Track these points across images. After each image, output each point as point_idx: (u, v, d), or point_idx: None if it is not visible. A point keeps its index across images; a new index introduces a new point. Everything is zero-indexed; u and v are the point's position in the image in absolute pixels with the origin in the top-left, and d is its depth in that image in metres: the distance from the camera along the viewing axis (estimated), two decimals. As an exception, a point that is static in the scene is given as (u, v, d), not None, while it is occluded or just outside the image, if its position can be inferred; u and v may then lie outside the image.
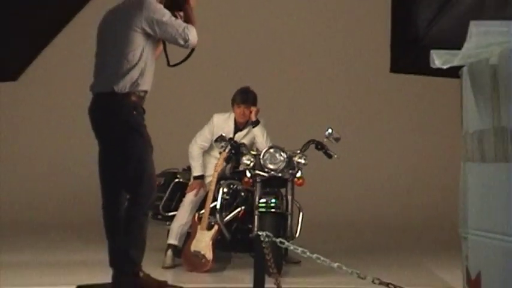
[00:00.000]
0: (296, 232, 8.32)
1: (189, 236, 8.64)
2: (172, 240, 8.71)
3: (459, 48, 3.66)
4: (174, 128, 10.16)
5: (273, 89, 11.40)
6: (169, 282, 6.56)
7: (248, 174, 8.39)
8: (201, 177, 8.84)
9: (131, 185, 6.39)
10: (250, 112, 8.84)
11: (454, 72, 4.00)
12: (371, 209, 12.01)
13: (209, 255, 8.40)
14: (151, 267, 7.05)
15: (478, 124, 3.75)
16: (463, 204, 3.92)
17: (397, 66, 6.98)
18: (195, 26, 6.57)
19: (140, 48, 6.41)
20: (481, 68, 3.67)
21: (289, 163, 8.29)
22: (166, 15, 6.46)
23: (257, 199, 8.22)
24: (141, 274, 6.36)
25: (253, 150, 8.59)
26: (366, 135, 12.26)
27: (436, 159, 11.78)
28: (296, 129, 9.55)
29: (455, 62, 3.82)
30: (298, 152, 8.38)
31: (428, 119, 12.20)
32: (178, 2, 6.64)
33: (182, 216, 8.75)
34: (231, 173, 8.81)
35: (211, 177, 8.69)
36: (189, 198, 8.80)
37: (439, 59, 3.88)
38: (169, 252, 8.69)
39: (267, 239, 5.38)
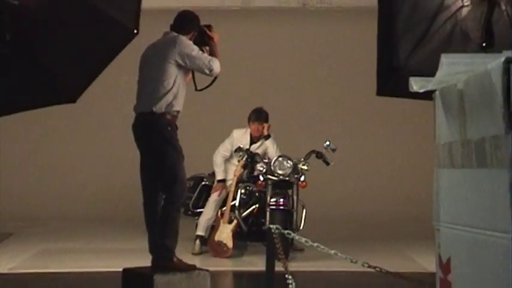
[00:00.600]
0: (300, 225, 8.35)
1: (213, 228, 8.67)
2: (200, 231, 8.74)
3: (432, 75, 3.67)
4: (201, 141, 10.17)
5: (281, 108, 11.40)
6: (198, 265, 6.54)
7: (261, 178, 8.43)
8: (223, 181, 8.87)
9: (166, 187, 6.37)
10: (263, 128, 8.88)
11: (428, 95, 4.00)
12: (362, 206, 11.97)
13: (230, 244, 8.42)
14: (183, 253, 7.07)
15: (448, 137, 3.76)
16: (436, 202, 3.92)
17: (382, 91, 6.94)
18: (218, 58, 6.57)
19: (174, 77, 6.40)
20: (450, 91, 3.69)
21: (295, 169, 8.33)
22: (195, 50, 6.46)
23: (268, 198, 8.26)
24: (175, 259, 6.33)
25: (265, 159, 8.63)
26: (358, 146, 12.24)
27: (416, 165, 11.75)
28: (300, 141, 9.53)
29: (429, 87, 3.82)
30: (302, 160, 8.42)
31: (407, 132, 12.17)
32: (204, 39, 6.64)
33: (208, 212, 8.78)
34: (248, 177, 8.85)
35: (231, 181, 8.74)
36: (213, 197, 8.83)
37: (416, 84, 3.89)
38: (198, 241, 8.72)
39: (276, 231, 5.37)
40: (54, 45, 6.38)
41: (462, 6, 6.49)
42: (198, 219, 8.83)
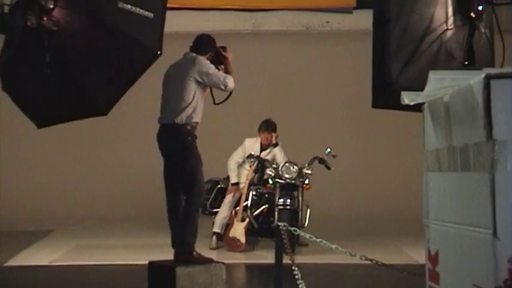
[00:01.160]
0: (305, 223, 8.32)
1: (228, 226, 8.67)
2: (216, 228, 8.73)
3: (421, 90, 3.67)
4: (217, 149, 10.14)
5: (288, 120, 11.35)
6: (215, 259, 6.52)
7: (270, 181, 8.42)
8: (237, 184, 8.87)
9: (187, 189, 6.35)
10: (272, 137, 8.87)
11: (418, 107, 3.99)
12: (360, 206, 11.93)
13: (243, 239, 8.41)
14: (202, 248, 7.05)
15: (435, 144, 3.76)
16: (425, 202, 3.92)
17: (377, 103, 6.93)
18: (232, 75, 6.57)
19: (193, 92, 6.39)
20: (437, 104, 3.68)
21: (300, 173, 8.32)
22: (211, 68, 6.46)
23: (277, 199, 8.24)
24: (195, 253, 6.32)
25: (274, 165, 8.62)
26: (356, 153, 12.20)
27: (407, 169, 11.70)
28: (304, 149, 9.48)
29: (419, 100, 3.82)
30: (306, 165, 8.41)
31: (399, 140, 12.12)
32: (220, 58, 6.63)
33: (223, 211, 8.78)
34: (258, 180, 8.83)
35: (244, 184, 8.73)
36: (228, 198, 8.83)
37: (407, 98, 3.88)
38: (214, 237, 8.71)
39: (284, 228, 5.35)
40: (88, 66, 6.40)
41: (447, 29, 6.49)
42: (214, 217, 8.83)
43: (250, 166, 8.69)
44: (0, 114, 10.64)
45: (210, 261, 6.34)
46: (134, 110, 11.55)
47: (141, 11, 6.25)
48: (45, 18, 6.08)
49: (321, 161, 8.48)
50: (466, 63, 6.40)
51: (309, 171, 8.35)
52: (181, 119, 6.33)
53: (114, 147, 12.51)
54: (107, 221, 11.28)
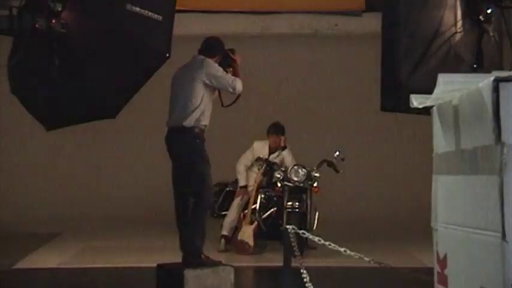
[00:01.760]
0: (313, 225, 8.31)
1: (236, 228, 8.67)
2: (225, 231, 8.73)
3: (430, 93, 3.67)
4: (226, 152, 10.12)
5: (296, 123, 11.35)
6: (223, 261, 6.53)
7: (279, 184, 8.41)
8: (245, 187, 8.86)
9: (195, 192, 6.36)
10: (280, 140, 8.86)
11: (426, 110, 3.99)
12: (369, 209, 11.89)
13: (251, 242, 8.41)
14: (210, 251, 7.06)
15: (444, 147, 3.75)
16: (434, 205, 3.91)
17: (386, 106, 6.94)
18: (240, 78, 6.58)
19: (201, 95, 6.40)
20: (446, 107, 3.68)
21: (308, 176, 8.30)
22: (220, 71, 6.47)
23: (285, 202, 8.23)
24: (203, 256, 6.35)
25: (282, 168, 8.60)
26: (364, 156, 12.16)
27: (416, 172, 11.65)
28: (313, 152, 9.48)
29: (428, 103, 3.82)
30: (315, 168, 8.38)
31: (408, 143, 12.09)
32: (228, 61, 6.65)
33: (232, 214, 8.78)
34: (267, 183, 8.81)
35: (252, 187, 8.73)
36: (237, 201, 8.83)
37: (416, 101, 3.88)
38: (223, 240, 8.71)
39: (292, 231, 5.35)
40: (97, 69, 6.44)
41: (455, 33, 6.50)
42: (223, 220, 8.83)
43: (259, 169, 8.69)
44: (7, 116, 10.68)
45: (218, 264, 6.36)
46: (143, 112, 11.56)
47: (150, 13, 6.28)
48: (53, 21, 6.12)
49: (330, 164, 8.44)
50: (475, 66, 6.41)
51: (317, 174, 8.33)
52: (189, 121, 6.34)
53: (122, 149, 12.52)
54: (115, 223, 11.27)
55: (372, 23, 9.32)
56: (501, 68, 6.41)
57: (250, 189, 8.77)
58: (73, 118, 6.91)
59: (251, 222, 8.49)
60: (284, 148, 8.83)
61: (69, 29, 6.19)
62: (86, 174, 12.40)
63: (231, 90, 6.48)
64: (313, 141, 11.82)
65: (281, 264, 5.99)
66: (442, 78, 3.50)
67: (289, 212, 8.14)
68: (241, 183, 8.86)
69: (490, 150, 3.05)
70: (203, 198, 6.33)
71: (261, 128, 9.16)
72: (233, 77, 6.50)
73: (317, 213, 8.44)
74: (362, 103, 11.82)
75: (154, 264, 6.47)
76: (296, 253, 5.27)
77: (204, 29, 10.55)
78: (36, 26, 6.10)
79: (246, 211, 8.59)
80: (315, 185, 8.30)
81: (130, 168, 12.43)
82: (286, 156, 8.79)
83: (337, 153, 8.36)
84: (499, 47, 6.63)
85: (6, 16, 6.50)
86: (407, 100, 3.93)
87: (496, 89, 2.99)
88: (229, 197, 9.02)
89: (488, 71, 3.45)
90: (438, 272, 3.76)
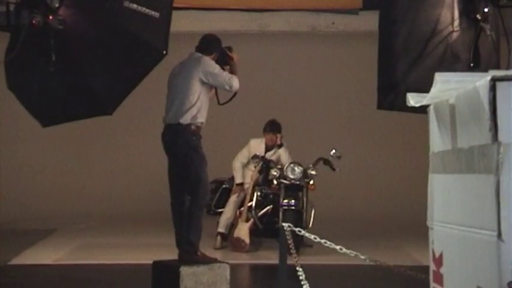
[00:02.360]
0: (309, 223, 8.33)
1: (232, 226, 8.68)
2: (221, 228, 8.74)
3: (427, 92, 3.67)
4: (222, 149, 10.13)
5: (293, 121, 11.36)
6: (219, 259, 6.52)
7: (275, 182, 8.42)
8: (242, 184, 8.87)
9: (191, 189, 6.34)
10: (277, 137, 8.86)
11: (423, 109, 3.99)
12: (364, 207, 11.92)
13: (247, 240, 8.42)
14: (206, 248, 7.03)
15: (441, 146, 3.76)
16: (430, 204, 3.92)
17: (382, 105, 6.95)
18: (237, 76, 6.56)
19: (198, 92, 6.37)
20: (442, 106, 3.68)
21: (305, 174, 8.31)
22: (216, 68, 6.44)
23: (281, 200, 8.24)
24: (199, 253, 6.33)
25: (278, 165, 8.61)
26: (360, 154, 12.19)
27: (412, 171, 11.69)
28: (309, 150, 9.49)
29: (424, 102, 3.82)
30: (311, 166, 8.41)
31: (404, 142, 12.13)
32: (225, 59, 6.62)
33: (228, 211, 8.78)
34: (263, 181, 8.81)
35: (248, 184, 8.73)
36: (233, 199, 8.84)
37: (412, 99, 3.88)
38: (219, 237, 8.72)
39: (288, 229, 5.34)
40: (94, 65, 6.43)
41: (452, 32, 6.50)
42: (219, 218, 8.83)
43: (255, 167, 8.69)
44: (4, 114, 10.68)
45: (214, 261, 6.34)
46: (139, 109, 11.57)
47: (148, 10, 6.27)
48: (50, 17, 6.11)
49: (326, 162, 8.46)
50: (472, 65, 6.41)
51: (313, 172, 8.35)
52: (186, 119, 6.32)
53: (118, 146, 12.52)
54: (111, 220, 11.28)
55: (369, 21, 9.30)
56: (498, 67, 6.42)
57: (246, 186, 8.78)
58: (69, 115, 6.89)
59: (247, 220, 8.49)
60: (280, 146, 8.84)
61: (66, 25, 6.18)
62: (82, 170, 12.39)
63: (227, 87, 6.46)
64: (310, 139, 11.84)
65: (277, 262, 5.95)
66: (439, 77, 3.50)
67: (285, 209, 8.15)
68: (238, 180, 8.86)
69: (486, 149, 3.06)
70: (199, 195, 6.32)
71: (258, 125, 9.16)
72: (230, 75, 6.48)
73: (313, 211, 8.45)
74: (359, 101, 11.86)
75: (151, 261, 6.45)
76: (292, 251, 5.26)
77: (201, 26, 10.56)
78: (34, 22, 6.08)
79: (242, 208, 8.60)
80: (311, 182, 8.32)
81: (127, 165, 12.43)
82: (283, 154, 8.80)
83: (334, 151, 8.39)
84: (496, 46, 6.63)
85: (3, 12, 6.49)
86: (404, 99, 3.94)
87: (493, 88, 3.00)
88: (226, 195, 9.02)
89: (485, 70, 3.46)
90: (434, 271, 3.77)
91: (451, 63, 6.43)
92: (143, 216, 11.39)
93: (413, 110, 4.02)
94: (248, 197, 8.59)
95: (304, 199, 8.27)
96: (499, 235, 2.94)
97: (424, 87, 3.73)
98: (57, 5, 6.16)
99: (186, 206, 6.38)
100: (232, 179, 9.04)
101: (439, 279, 3.67)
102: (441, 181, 3.73)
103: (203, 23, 11.08)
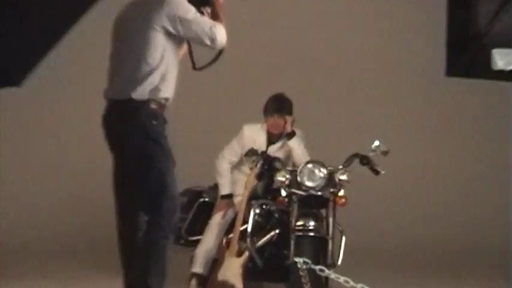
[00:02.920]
0: (338, 259, 8.23)
1: (215, 263, 8.62)
2: (197, 268, 8.69)
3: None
4: (200, 141, 10.14)
5: (311, 95, 11.39)
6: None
7: (283, 192, 8.31)
8: (230, 197, 8.84)
9: (150, 205, 6.36)
10: (285, 122, 8.79)
11: None
12: (423, 232, 12.08)
13: (239, 285, 8.37)
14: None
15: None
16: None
17: (453, 69, 6.97)
18: (224, 24, 6.54)
19: (161, 49, 6.40)
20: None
21: (330, 180, 8.21)
22: (190, 11, 6.44)
23: (293, 221, 8.15)
24: (162, 306, 6.34)
25: (288, 166, 8.57)
26: (419, 148, 12.26)
27: (485, 177, 11.80)
28: (338, 141, 9.53)
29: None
30: (341, 167, 8.30)
31: (474, 136, 12.24)
32: (205, -3, 6.64)
33: (208, 240, 8.74)
34: (264, 191, 8.78)
35: (241, 197, 8.67)
36: (216, 220, 8.78)
37: (501, 59, 3.85)
38: (193, 281, 8.69)
39: (304, 267, 5.35)
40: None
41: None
42: (194, 250, 8.80)
43: (251, 168, 8.63)
44: None
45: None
46: (62, 79, 11.53)
47: None
48: None
49: (365, 160, 8.36)
50: None
51: (344, 177, 8.25)
52: (142, 92, 6.35)
53: (33, 135, 12.52)
54: (26, 255, 11.25)
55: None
56: None
57: (237, 199, 8.76)
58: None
59: (239, 254, 8.45)
60: (291, 135, 8.77)
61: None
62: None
63: (208, 41, 6.48)
64: (340, 124, 11.88)
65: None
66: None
67: (299, 236, 8.09)
68: (224, 190, 8.85)
69: None
70: (163, 213, 6.34)
71: (256, 103, 9.13)
72: (212, 22, 6.51)
73: (343, 239, 8.38)
74: (417, 65, 11.86)
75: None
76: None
77: None
78: None
79: (231, 235, 8.55)
80: (341, 194, 8.22)
81: (43, 172, 12.44)
82: (295, 148, 8.73)
83: (377, 143, 8.30)
84: None
85: None
86: (487, 59, 3.90)
87: None
88: (205, 213, 9.02)
89: None
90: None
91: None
92: (71, 249, 11.36)
93: (500, 77, 3.99)
94: (240, 217, 8.54)
95: (330, 220, 8.20)
96: None
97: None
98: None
99: (142, 231, 6.40)
100: (214, 188, 9.06)
101: None
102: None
103: None
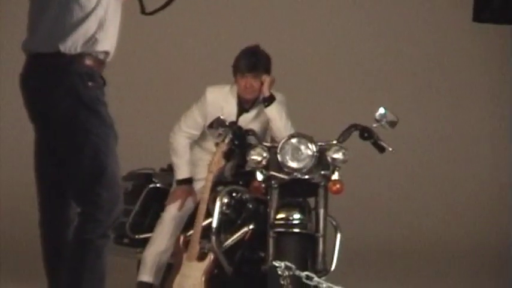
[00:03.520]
0: (331, 263, 8.27)
1: (170, 269, 8.66)
2: (146, 275, 8.73)
3: None
4: (149, 109, 10.12)
5: (295, 48, 11.43)
6: None
7: (259, 176, 8.31)
8: (189, 181, 8.89)
9: (83, 193, 6.35)
10: (261, 84, 8.78)
11: None
12: (435, 228, 12.38)
13: (201, 296, 8.38)
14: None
15: None
16: None
17: (482, 14, 7.14)
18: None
19: (97, -12, 6.40)
20: None
21: (321, 160, 8.22)
22: None
23: (272, 213, 8.17)
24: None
25: (266, 141, 8.57)
26: (435, 117, 12.37)
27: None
28: (331, 108, 9.49)
29: None
30: (335, 142, 8.31)
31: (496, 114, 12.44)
32: None
33: (160, 239, 8.77)
34: (234, 175, 8.83)
35: (203, 182, 8.66)
36: (171, 212, 8.81)
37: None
38: (141, 292, 8.70)
39: (286, 273, 5.33)
40: None
41: None
42: (142, 252, 8.83)
43: (217, 145, 8.61)
44: None
45: None
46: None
47: None
48: None
49: (367, 133, 8.37)
50: None
51: (339, 156, 8.24)
52: (73, 43, 6.34)
53: None
54: None
55: None
56: None
57: (199, 186, 8.80)
58: None
59: (201, 257, 8.45)
60: (270, 101, 8.75)
61: None
62: None
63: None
64: (333, 84, 11.98)
65: None
66: None
67: (280, 233, 8.10)
68: (181, 173, 8.89)
69: None
70: (100, 204, 6.32)
71: (223, 59, 9.19)
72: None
73: (338, 237, 8.43)
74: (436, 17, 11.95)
75: None
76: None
77: None
78: None
79: (191, 233, 8.54)
80: (335, 177, 8.23)
81: None
82: (275, 118, 8.72)
83: (382, 111, 8.29)
84: None
85: None
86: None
87: None
88: (156, 203, 9.08)
89: None
90: None
91: None
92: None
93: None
94: (203, 209, 8.53)
95: (321, 212, 8.21)
96: None
97: None
98: None
99: (73, 227, 6.40)
100: (168, 170, 9.14)
101: None
102: None
103: None
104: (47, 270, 6.48)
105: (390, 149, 8.39)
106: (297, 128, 8.62)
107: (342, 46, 12.74)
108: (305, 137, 8.28)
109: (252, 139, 8.55)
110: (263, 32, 11.03)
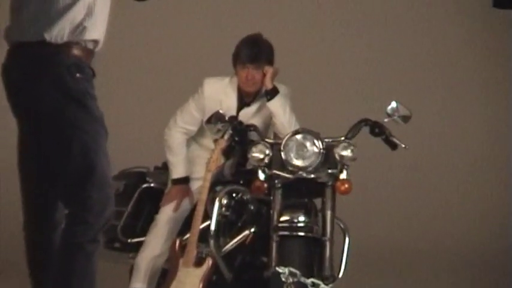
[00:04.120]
0: (339, 271, 8.27)
1: (165, 275, 8.62)
2: (139, 282, 8.73)
3: None
4: (143, 103, 10.10)
5: (299, 37, 11.43)
6: None
7: (261, 175, 8.30)
8: (185, 181, 8.89)
9: (72, 193, 6.33)
10: (264, 75, 8.77)
11: None
12: (449, 230, 12.43)
13: (198, 304, 8.37)
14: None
15: None
16: None
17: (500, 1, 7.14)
18: None
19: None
20: None
21: (328, 157, 8.20)
22: None
23: (276, 215, 8.15)
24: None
25: (268, 137, 8.55)
26: (436, 117, 12.38)
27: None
28: (338, 102, 9.47)
29: None
30: (343, 138, 8.29)
31: None
32: None
33: (154, 243, 8.77)
34: (234, 173, 8.81)
35: (201, 181, 8.65)
36: (166, 214, 8.81)
37: None
38: (134, 299, 8.70)
39: (291, 280, 5.31)
40: None
41: None
42: (134, 257, 8.82)
43: (216, 141, 8.59)
44: None
45: None
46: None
47: None
48: None
49: (377, 129, 8.35)
50: None
51: (348, 153, 8.22)
52: (60, 32, 6.34)
53: None
54: None
55: None
56: None
57: (196, 186, 8.81)
58: None
59: (198, 262, 8.43)
60: (273, 94, 8.73)
61: None
62: None
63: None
64: (341, 77, 12.00)
65: None
66: None
67: (284, 237, 8.07)
68: (177, 172, 8.89)
69: None
70: (89, 206, 6.31)
71: (223, 50, 9.21)
72: None
73: (347, 241, 8.42)
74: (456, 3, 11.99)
75: None
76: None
77: None
78: None
79: (188, 236, 8.53)
80: (343, 176, 8.20)
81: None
82: (278, 112, 8.72)
83: (394, 105, 8.28)
84: None
85: None
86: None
87: None
88: (150, 204, 9.08)
89: None
90: None
91: None
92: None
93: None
94: (201, 210, 8.51)
95: (328, 214, 8.18)
96: None
97: None
98: None
99: (61, 230, 6.41)
100: (163, 169, 9.14)
101: None
102: None
103: None
104: (31, 276, 6.48)
105: (403, 146, 8.37)
106: (302, 123, 8.62)
107: (349, 35, 12.80)
108: (311, 132, 8.26)
109: (253, 135, 8.53)
110: (265, 19, 11.05)
